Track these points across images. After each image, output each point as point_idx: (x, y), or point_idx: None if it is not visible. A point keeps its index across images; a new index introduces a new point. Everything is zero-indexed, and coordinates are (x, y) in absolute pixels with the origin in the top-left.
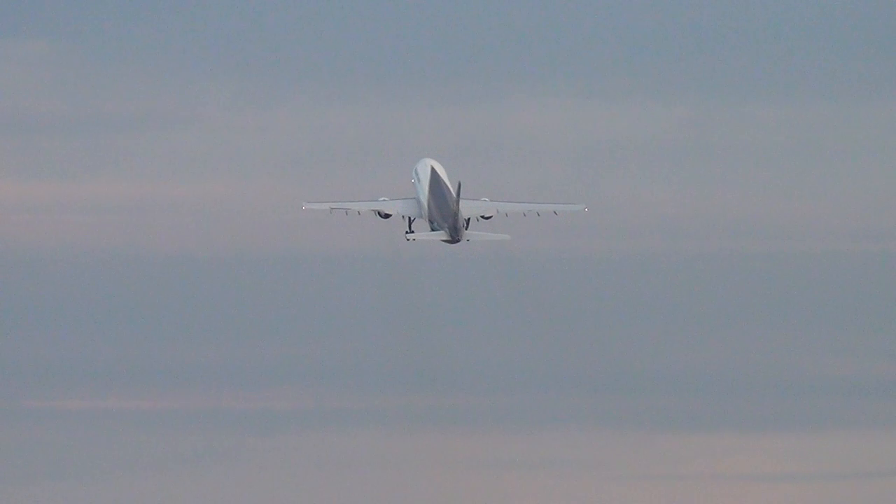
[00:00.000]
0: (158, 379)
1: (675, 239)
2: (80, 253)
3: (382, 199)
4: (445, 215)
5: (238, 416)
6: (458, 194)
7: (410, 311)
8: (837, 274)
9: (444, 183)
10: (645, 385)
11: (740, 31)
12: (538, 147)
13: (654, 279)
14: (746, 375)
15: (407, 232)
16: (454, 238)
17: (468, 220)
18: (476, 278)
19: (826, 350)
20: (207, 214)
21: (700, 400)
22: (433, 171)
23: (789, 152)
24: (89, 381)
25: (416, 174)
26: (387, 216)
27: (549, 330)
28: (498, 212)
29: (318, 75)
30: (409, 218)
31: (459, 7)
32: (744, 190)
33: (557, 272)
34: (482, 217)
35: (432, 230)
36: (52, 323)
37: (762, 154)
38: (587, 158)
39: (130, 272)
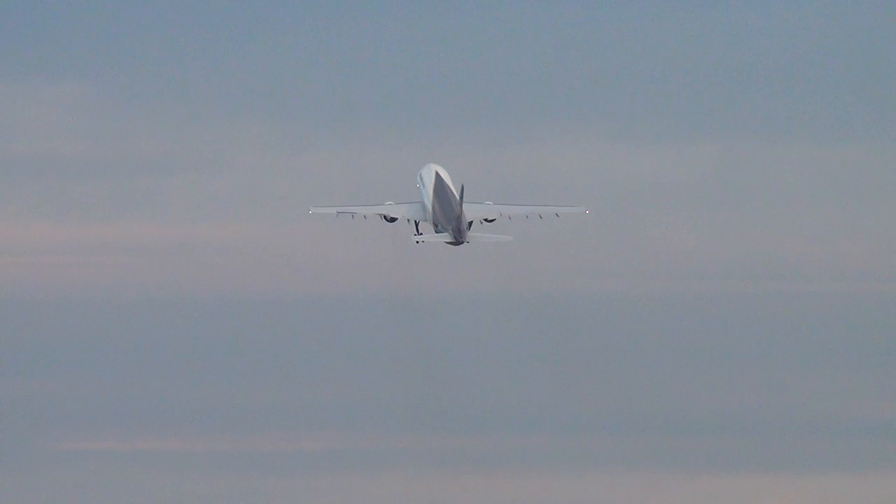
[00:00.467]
0: (187, 420)
1: (700, 279)
2: (112, 294)
3: (388, 203)
4: (449, 218)
5: (262, 457)
6: (462, 197)
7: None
8: (865, 314)
9: (449, 187)
10: (662, 424)
11: (768, 74)
12: (563, 186)
13: (677, 318)
14: (768, 416)
15: (415, 234)
16: (458, 240)
17: (471, 223)
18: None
19: (854, 391)
20: (239, 255)
21: (719, 440)
22: (437, 175)
23: (817, 194)
24: (119, 422)
25: (421, 179)
26: (393, 220)
27: (564, 365)
28: (501, 214)
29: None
30: (415, 221)
31: (485, 51)
32: (771, 231)
33: (585, 311)
34: (486, 220)
35: (437, 232)
36: (80, 364)
37: (790, 195)
38: (615, 200)
39: (161, 313)
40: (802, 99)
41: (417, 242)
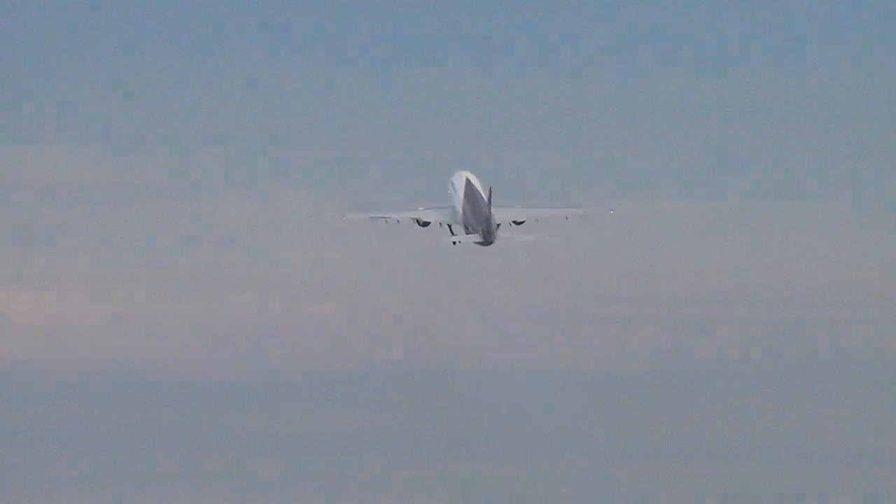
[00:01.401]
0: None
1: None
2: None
3: (420, 208)
4: (480, 220)
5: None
6: (490, 199)
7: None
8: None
9: (479, 191)
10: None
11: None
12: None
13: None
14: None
15: (451, 236)
16: (488, 240)
17: (499, 224)
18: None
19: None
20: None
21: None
22: (468, 181)
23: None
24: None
25: (453, 185)
26: (426, 224)
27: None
28: (528, 217)
29: None
30: (448, 224)
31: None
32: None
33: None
34: (515, 222)
35: (467, 234)
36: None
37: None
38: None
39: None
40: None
41: (454, 243)
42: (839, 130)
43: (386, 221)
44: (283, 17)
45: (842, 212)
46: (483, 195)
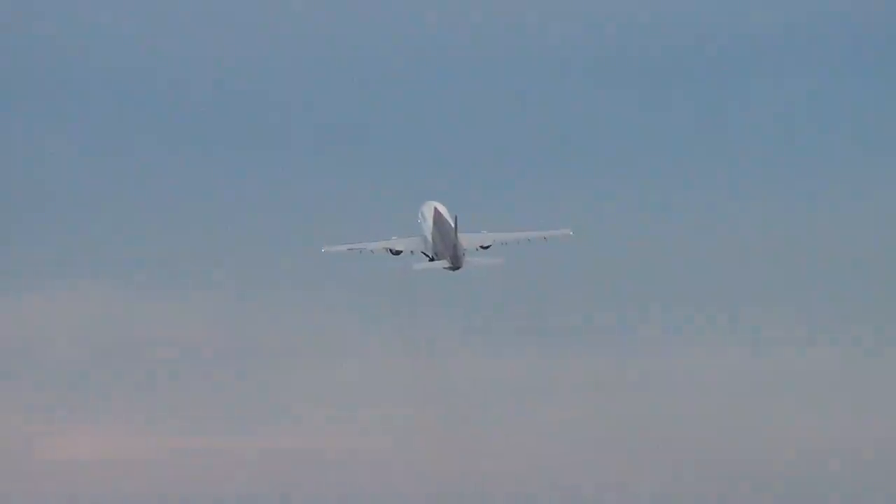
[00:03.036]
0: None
1: None
2: None
3: (393, 237)
4: (448, 245)
5: None
6: (456, 226)
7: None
8: None
9: (446, 219)
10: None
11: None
12: None
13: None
14: None
15: (418, 263)
16: (455, 265)
17: (465, 250)
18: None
19: None
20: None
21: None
22: (436, 210)
23: None
24: None
25: (422, 214)
26: (398, 252)
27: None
28: (494, 241)
29: None
30: (421, 252)
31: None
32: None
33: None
34: (482, 247)
35: (436, 260)
36: None
37: None
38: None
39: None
40: None
41: (421, 269)
42: None
43: (360, 252)
44: None
45: None
46: (451, 223)
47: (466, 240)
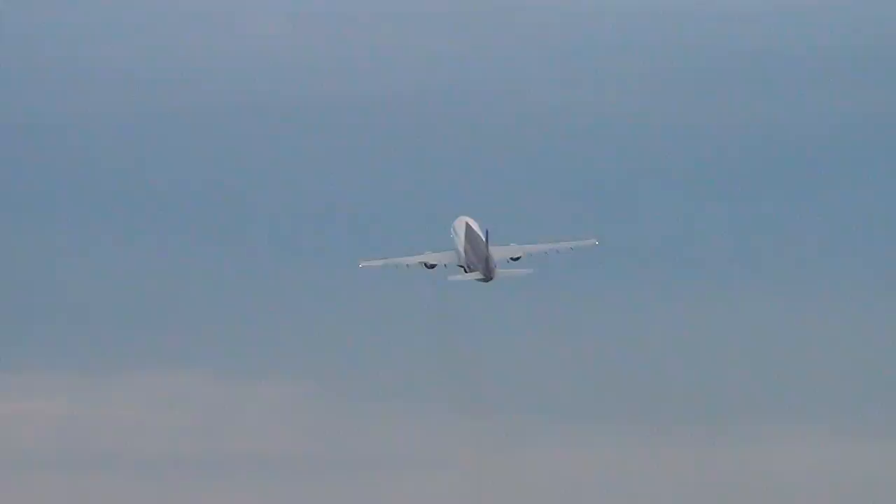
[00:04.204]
0: None
1: None
2: None
3: (427, 252)
4: (480, 258)
5: None
6: (487, 240)
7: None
8: None
9: (477, 233)
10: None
11: None
12: None
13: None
14: None
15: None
16: (487, 277)
17: (497, 262)
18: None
19: None
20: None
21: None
22: (467, 225)
23: None
24: None
25: (454, 230)
26: (432, 266)
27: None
28: (524, 253)
29: None
30: (456, 265)
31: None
32: None
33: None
34: (512, 258)
35: (469, 272)
36: None
37: None
38: None
39: None
40: None
41: (456, 281)
42: None
43: (396, 267)
44: None
45: None
46: (482, 237)
47: (496, 252)
